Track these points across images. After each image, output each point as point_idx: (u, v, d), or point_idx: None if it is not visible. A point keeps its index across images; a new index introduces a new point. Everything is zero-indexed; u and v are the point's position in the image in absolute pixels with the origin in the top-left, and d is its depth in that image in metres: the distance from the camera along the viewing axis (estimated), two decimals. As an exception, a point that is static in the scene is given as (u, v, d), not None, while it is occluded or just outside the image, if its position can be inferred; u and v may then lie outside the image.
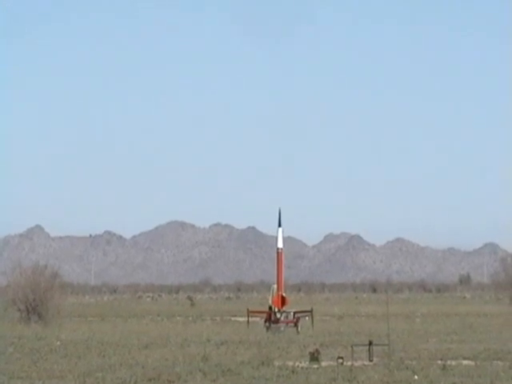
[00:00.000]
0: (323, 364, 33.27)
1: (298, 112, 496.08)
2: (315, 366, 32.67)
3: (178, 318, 76.17)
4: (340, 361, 33.82)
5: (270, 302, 58.02)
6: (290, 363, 33.56)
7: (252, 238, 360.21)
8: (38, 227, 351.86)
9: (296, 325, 56.83)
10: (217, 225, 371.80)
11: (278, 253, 57.34)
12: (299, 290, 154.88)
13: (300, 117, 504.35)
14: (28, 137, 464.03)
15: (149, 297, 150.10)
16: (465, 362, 33.92)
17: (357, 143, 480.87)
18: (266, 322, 57.74)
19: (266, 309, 58.94)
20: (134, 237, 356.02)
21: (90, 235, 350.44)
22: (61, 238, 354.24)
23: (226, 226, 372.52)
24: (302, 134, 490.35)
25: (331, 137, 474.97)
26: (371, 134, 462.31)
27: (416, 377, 29.82)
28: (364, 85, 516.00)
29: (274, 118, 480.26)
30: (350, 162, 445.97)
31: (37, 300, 60.81)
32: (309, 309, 62.70)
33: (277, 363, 33.69)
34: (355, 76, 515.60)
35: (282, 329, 56.17)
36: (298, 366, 32.61)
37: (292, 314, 57.66)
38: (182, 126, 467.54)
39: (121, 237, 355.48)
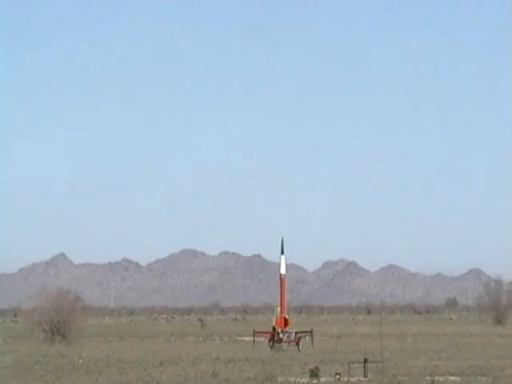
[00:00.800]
0: (322, 380, 34.45)
1: (297, 138, 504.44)
2: (315, 382, 33.99)
3: (190, 337, 77.90)
4: (337, 377, 35.02)
5: (273, 323, 59.72)
6: (292, 379, 34.95)
7: (257, 264, 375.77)
8: (62, 255, 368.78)
9: (297, 344, 58.29)
10: (225, 253, 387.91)
11: (281, 278, 58.94)
12: (300, 312, 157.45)
13: (299, 144, 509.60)
14: (49, 165, 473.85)
15: (163, 318, 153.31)
16: (452, 378, 35.22)
17: (353, 173, 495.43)
18: (269, 341, 59.18)
19: (270, 329, 60.24)
20: (150, 264, 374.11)
21: (110, 262, 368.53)
22: (83, 265, 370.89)
23: (234, 253, 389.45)
24: (300, 164, 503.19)
25: (329, 167, 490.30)
26: (365, 166, 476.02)
27: None
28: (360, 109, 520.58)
29: (275, 146, 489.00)
30: (347, 193, 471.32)
31: (60, 322, 62.94)
32: (309, 329, 63.41)
33: (280, 379, 35.07)
34: (354, 91, 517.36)
35: (285, 347, 57.62)
36: (299, 382, 33.97)
37: (294, 334, 59.10)
38: (189, 156, 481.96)
39: (137, 264, 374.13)
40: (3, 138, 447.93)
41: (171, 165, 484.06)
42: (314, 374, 35.59)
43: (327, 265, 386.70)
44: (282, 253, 58.66)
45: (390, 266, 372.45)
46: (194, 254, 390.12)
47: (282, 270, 58.98)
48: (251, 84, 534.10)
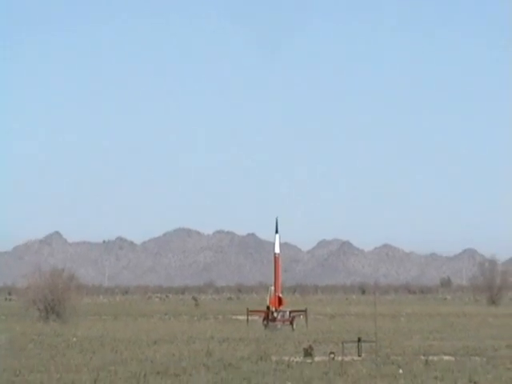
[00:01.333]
0: (316, 359, 34.66)
1: (294, 120, 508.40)
2: (309, 361, 34.15)
3: (184, 316, 78.31)
4: (331, 356, 35.19)
5: (267, 302, 60.20)
6: (286, 358, 34.95)
7: (252, 243, 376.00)
8: (57, 233, 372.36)
9: (291, 323, 58.71)
10: (220, 232, 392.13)
11: (275, 257, 59.38)
12: (294, 292, 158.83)
13: (296, 125, 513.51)
14: (45, 147, 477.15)
15: (157, 297, 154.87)
16: (446, 358, 35.46)
17: (349, 155, 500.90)
18: (264, 320, 59.58)
19: (264, 308, 60.73)
20: (144, 242, 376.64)
21: (104, 241, 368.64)
22: (77, 243, 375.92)
23: (228, 232, 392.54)
24: (298, 144, 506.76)
25: (324, 149, 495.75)
26: (360, 147, 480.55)
27: (401, 371, 30.98)
28: (358, 97, 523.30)
29: (271, 128, 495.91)
30: (342, 173, 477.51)
31: (55, 300, 63.25)
32: (303, 309, 64.28)
33: (274, 358, 35.15)
34: (352, 83, 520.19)
35: (279, 327, 58.04)
36: (293, 361, 34.06)
37: (288, 313, 59.59)
38: (188, 135, 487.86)
39: (132, 242, 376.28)
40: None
41: (168, 146, 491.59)
42: (308, 353, 35.81)
43: (322, 244, 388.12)
44: (277, 232, 59.08)
45: (385, 246, 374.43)
46: (188, 232, 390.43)
47: (277, 249, 59.31)
48: (251, 81, 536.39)
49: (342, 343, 38.12)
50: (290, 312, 60.57)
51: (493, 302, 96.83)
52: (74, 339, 46.61)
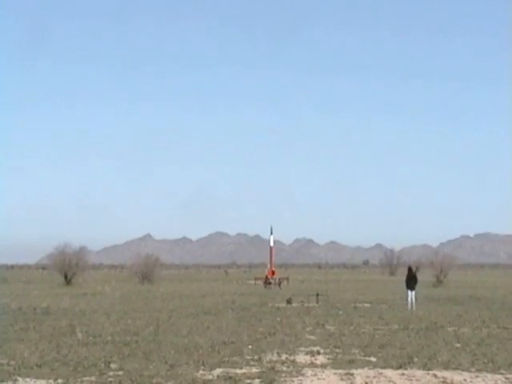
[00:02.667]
0: (293, 305, 44.38)
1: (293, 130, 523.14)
2: (289, 306, 43.31)
3: (219, 281, 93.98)
4: (302, 303, 45.35)
5: (266, 273, 76.44)
6: (276, 305, 44.58)
7: (258, 240, 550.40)
8: (149, 235, 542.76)
9: (279, 285, 72.47)
10: (239, 233, 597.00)
11: (271, 248, 74.52)
12: (281, 268, 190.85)
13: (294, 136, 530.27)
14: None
15: (205, 270, 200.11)
16: (366, 305, 45.13)
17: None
18: (264, 283, 74.10)
19: (264, 277, 76.11)
20: (198, 240, 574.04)
21: (175, 239, 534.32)
22: (161, 240, 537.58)
23: (244, 234, 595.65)
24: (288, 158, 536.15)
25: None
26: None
27: (340, 312, 38.57)
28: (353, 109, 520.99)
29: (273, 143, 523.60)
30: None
31: (148, 272, 78.29)
32: (286, 276, 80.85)
33: (269, 304, 44.87)
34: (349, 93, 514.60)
35: (272, 287, 70.79)
36: (280, 307, 42.80)
37: (277, 279, 73.54)
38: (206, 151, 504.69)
39: (191, 240, 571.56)
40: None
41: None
42: (289, 301, 45.34)
43: (296, 240, 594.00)
44: (271, 233, 74.66)
45: (332, 242, 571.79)
46: (222, 234, 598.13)
47: (271, 244, 74.87)
48: (252, 79, 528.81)
49: (308, 296, 49.65)
50: (279, 278, 74.72)
51: (391, 273, 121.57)
52: (158, 294, 57.33)
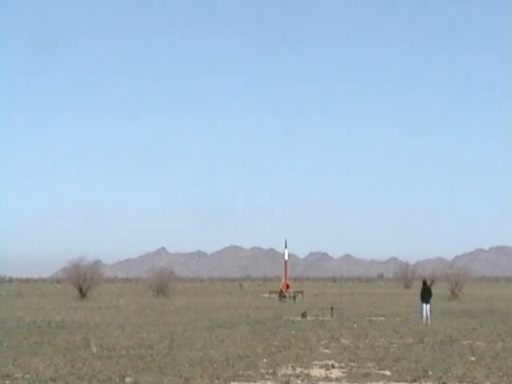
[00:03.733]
0: (308, 319, 44.31)
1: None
2: (304, 320, 43.32)
3: (234, 294, 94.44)
4: (316, 317, 45.22)
5: (281, 286, 77.40)
6: (291, 318, 44.74)
7: (272, 253, 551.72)
8: (163, 248, 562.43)
9: (294, 298, 72.90)
10: (254, 247, 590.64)
11: (285, 262, 76.02)
12: (296, 281, 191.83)
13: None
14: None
15: (219, 284, 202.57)
16: (380, 318, 45.08)
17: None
18: (279, 296, 74.69)
19: (279, 290, 76.64)
20: (213, 253, 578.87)
21: (190, 252, 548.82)
22: (175, 254, 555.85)
23: (259, 247, 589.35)
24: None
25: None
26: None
27: (355, 325, 38.67)
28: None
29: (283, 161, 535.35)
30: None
31: (162, 285, 79.23)
32: (301, 290, 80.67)
33: (284, 318, 45.28)
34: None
35: (287, 300, 71.53)
36: (294, 320, 42.94)
37: (292, 292, 74.23)
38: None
39: (205, 253, 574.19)
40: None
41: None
42: (304, 315, 45.43)
43: (311, 254, 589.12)
44: (286, 247, 75.96)
45: (347, 256, 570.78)
46: (237, 247, 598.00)
47: (286, 257, 76.55)
48: (252, 84, 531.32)
49: (322, 310, 49.28)
50: (294, 292, 75.31)
51: (406, 286, 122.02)
52: (172, 307, 58.02)
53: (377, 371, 22.52)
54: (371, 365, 23.81)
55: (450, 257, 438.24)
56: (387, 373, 22.21)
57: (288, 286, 76.61)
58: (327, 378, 21.32)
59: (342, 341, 31.01)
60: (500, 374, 21.82)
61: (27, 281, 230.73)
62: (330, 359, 25.23)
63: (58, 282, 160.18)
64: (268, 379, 21.06)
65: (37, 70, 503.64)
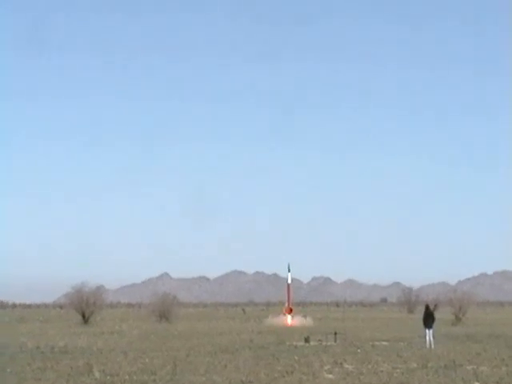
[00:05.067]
0: (311, 343, 44.57)
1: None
2: (307, 345, 43.54)
3: (237, 319, 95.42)
4: (320, 342, 45.48)
5: (284, 311, 77.44)
6: (294, 343, 44.92)
7: (276, 279, 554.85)
8: (166, 273, 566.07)
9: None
10: (257, 272, 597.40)
11: (288, 286, 75.80)
12: (299, 305, 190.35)
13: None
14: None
15: (222, 309, 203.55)
16: (384, 343, 45.32)
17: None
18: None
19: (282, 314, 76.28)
20: (216, 278, 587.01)
21: (192, 277, 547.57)
22: (178, 279, 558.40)
23: (262, 272, 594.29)
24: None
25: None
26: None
27: (359, 350, 38.82)
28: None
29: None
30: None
31: (165, 310, 79.83)
32: (304, 315, 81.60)
33: (287, 343, 45.36)
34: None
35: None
36: (297, 345, 43.30)
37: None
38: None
39: (208, 278, 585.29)
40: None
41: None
42: (307, 340, 45.66)
43: (314, 279, 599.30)
44: (289, 271, 75.87)
45: (350, 280, 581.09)
46: (240, 272, 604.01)
47: (289, 281, 76.27)
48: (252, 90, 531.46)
49: (326, 335, 50.23)
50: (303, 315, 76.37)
51: (410, 311, 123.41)
52: (175, 332, 58.57)
53: (380, 396, 21.99)
54: (375, 390, 23.33)
55: (453, 281, 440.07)
56: (391, 398, 21.73)
57: (291, 310, 76.74)
58: (331, 403, 21.07)
59: (346, 366, 30.98)
60: (504, 399, 21.35)
61: (30, 306, 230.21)
62: (333, 384, 24.87)
63: (60, 307, 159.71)
64: (271, 404, 20.65)
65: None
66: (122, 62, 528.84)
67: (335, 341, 46.46)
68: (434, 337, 43.77)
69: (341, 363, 32.05)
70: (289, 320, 75.13)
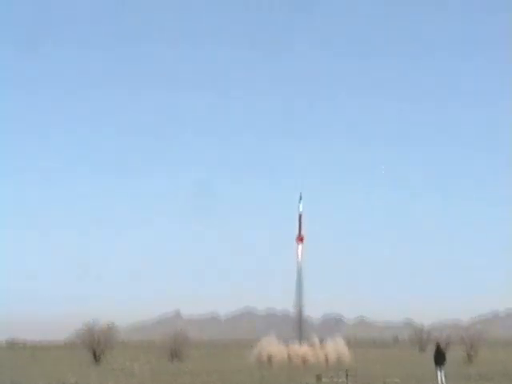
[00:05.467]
0: (323, 381, 46.08)
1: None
2: (319, 383, 45.39)
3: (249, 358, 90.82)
4: (331, 379, 47.34)
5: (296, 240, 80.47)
6: (306, 381, 46.21)
7: (287, 317, 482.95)
8: (177, 311, 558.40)
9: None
10: (269, 308, 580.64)
11: (300, 215, 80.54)
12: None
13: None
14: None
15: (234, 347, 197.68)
16: (396, 380, 45.86)
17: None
18: None
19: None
20: (228, 316, 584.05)
21: (204, 317, 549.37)
22: (191, 318, 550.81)
23: (273, 307, 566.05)
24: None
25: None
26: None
27: None
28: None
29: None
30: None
31: (176, 348, 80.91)
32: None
33: (298, 380, 46.71)
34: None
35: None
36: (309, 383, 45.06)
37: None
38: None
39: (218, 317, 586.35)
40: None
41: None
42: (319, 378, 47.07)
43: (324, 316, 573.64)
44: (300, 199, 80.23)
45: (361, 317, 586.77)
46: (252, 310, 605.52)
47: (300, 210, 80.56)
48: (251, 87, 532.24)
49: (337, 372, 51.11)
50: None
51: (421, 349, 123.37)
52: (187, 370, 60.17)
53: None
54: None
55: (465, 319, 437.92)
56: None
57: (302, 239, 79.92)
58: None
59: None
60: None
61: (40, 343, 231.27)
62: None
63: (71, 345, 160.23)
64: None
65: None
66: (121, 54, 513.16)
67: (347, 379, 46.47)
68: (445, 376, 43.76)
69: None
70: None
